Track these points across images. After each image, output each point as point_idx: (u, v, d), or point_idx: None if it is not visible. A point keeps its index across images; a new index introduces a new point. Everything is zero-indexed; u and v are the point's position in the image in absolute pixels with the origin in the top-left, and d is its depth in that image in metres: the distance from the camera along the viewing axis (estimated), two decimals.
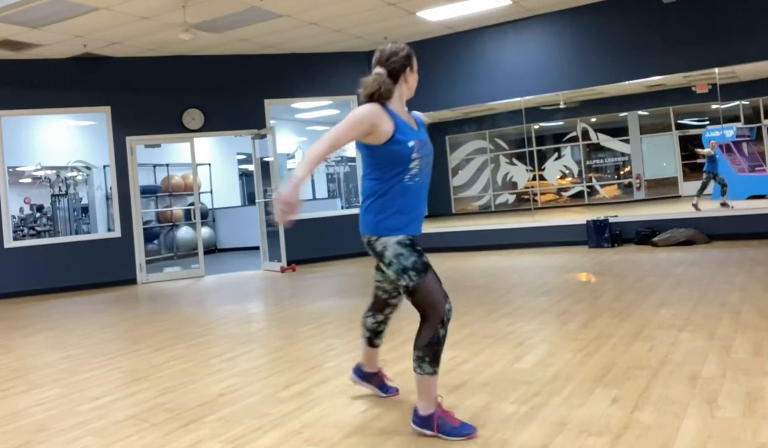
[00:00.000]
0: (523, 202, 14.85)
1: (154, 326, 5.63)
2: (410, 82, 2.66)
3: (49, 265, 8.88)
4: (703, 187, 9.79)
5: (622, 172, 15.18)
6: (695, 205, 9.35)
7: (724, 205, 9.44)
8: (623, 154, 15.04)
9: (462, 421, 2.56)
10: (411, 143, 2.54)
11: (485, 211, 15.55)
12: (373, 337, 2.98)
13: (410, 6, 8.01)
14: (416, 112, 2.80)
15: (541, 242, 9.12)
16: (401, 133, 2.52)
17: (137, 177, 9.41)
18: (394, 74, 2.59)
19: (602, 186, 15.32)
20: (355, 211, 10.48)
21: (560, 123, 15.15)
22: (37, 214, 11.49)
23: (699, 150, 10.46)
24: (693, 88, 9.69)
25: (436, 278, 2.55)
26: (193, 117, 9.52)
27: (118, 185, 9.24)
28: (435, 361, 2.52)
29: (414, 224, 2.60)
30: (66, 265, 8.95)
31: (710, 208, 9.69)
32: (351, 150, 11.91)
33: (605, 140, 15.19)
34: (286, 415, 2.96)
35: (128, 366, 4.21)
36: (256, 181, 9.95)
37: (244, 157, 15.19)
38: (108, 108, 9.20)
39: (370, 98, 2.53)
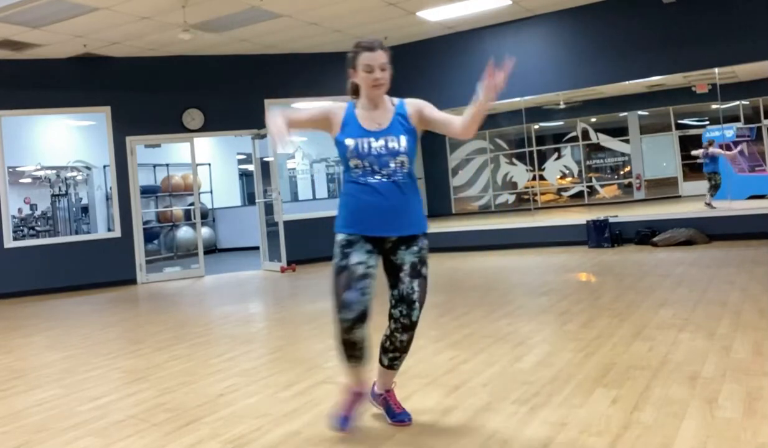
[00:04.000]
0: (523, 202, 14.85)
1: (154, 326, 5.63)
2: (359, 82, 2.57)
3: (49, 265, 8.88)
4: (716, 188, 9.87)
5: (622, 172, 15.19)
6: (709, 205, 9.38)
7: (708, 205, 9.46)
8: (623, 154, 15.04)
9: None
10: (347, 142, 2.55)
11: (485, 211, 15.55)
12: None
13: (410, 6, 8.01)
14: (405, 103, 2.63)
15: (541, 242, 9.12)
16: (342, 133, 2.58)
17: (137, 177, 9.41)
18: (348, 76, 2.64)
19: (602, 186, 15.32)
20: None
21: (560, 123, 15.16)
22: (37, 214, 11.49)
23: (716, 151, 10.44)
24: (693, 88, 9.70)
25: (347, 287, 2.47)
26: (193, 117, 9.52)
27: (118, 185, 9.24)
28: (342, 356, 2.59)
29: (358, 224, 2.54)
30: (66, 265, 8.94)
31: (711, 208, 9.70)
32: None
33: (605, 140, 15.19)
34: (286, 415, 2.96)
35: (128, 366, 4.21)
36: (256, 181, 9.94)
37: (244, 157, 15.17)
38: (108, 108, 9.19)
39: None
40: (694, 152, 10.85)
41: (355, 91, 2.64)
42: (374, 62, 2.50)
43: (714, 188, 10.03)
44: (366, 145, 2.52)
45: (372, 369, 2.70)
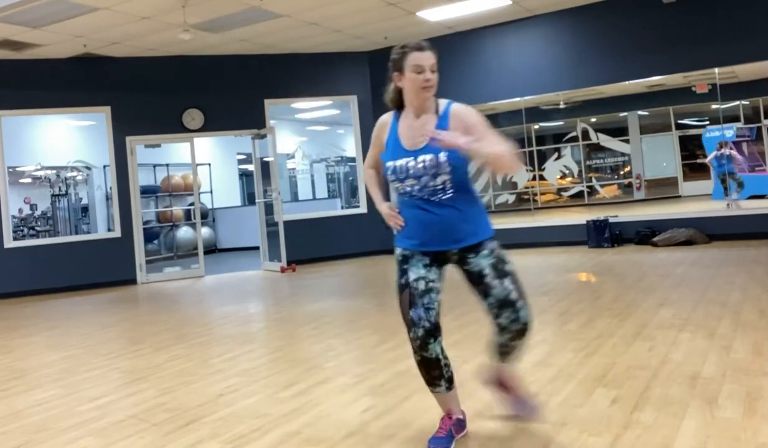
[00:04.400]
0: (523, 202, 14.85)
1: (154, 326, 5.63)
2: (406, 85, 2.39)
3: (49, 265, 8.88)
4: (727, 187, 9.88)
5: (622, 172, 15.19)
6: (730, 205, 9.37)
7: (732, 203, 9.40)
8: (623, 154, 15.04)
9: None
10: (388, 164, 2.45)
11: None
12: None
13: (410, 6, 8.01)
14: (450, 114, 2.39)
15: (541, 241, 9.12)
16: (385, 154, 2.48)
17: (137, 177, 9.41)
18: (392, 81, 2.45)
19: (602, 186, 15.32)
20: (355, 211, 10.48)
21: (560, 123, 15.15)
22: (37, 214, 11.50)
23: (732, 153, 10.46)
24: (693, 88, 9.69)
25: (411, 305, 2.36)
26: (193, 117, 9.52)
27: (118, 185, 9.24)
28: (426, 381, 2.45)
29: (409, 240, 2.43)
30: (66, 265, 8.94)
31: (711, 208, 9.69)
32: (351, 150, 11.92)
33: (605, 140, 15.20)
34: (286, 415, 2.96)
35: (128, 366, 4.20)
36: (256, 181, 9.94)
37: (244, 157, 15.18)
38: (108, 108, 9.19)
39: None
40: (709, 158, 10.81)
41: (396, 101, 2.47)
42: (425, 62, 2.35)
43: (739, 186, 9.99)
44: (404, 168, 2.38)
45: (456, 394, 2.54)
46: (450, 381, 2.44)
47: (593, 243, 8.52)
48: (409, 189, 2.40)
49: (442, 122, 2.37)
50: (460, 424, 2.51)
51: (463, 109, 2.40)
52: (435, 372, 2.39)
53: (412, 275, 2.39)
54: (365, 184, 2.71)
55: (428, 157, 2.34)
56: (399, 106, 2.49)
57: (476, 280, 2.41)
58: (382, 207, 2.55)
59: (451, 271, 2.51)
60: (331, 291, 6.87)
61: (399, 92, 2.45)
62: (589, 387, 2.95)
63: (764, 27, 7.68)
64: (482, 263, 2.39)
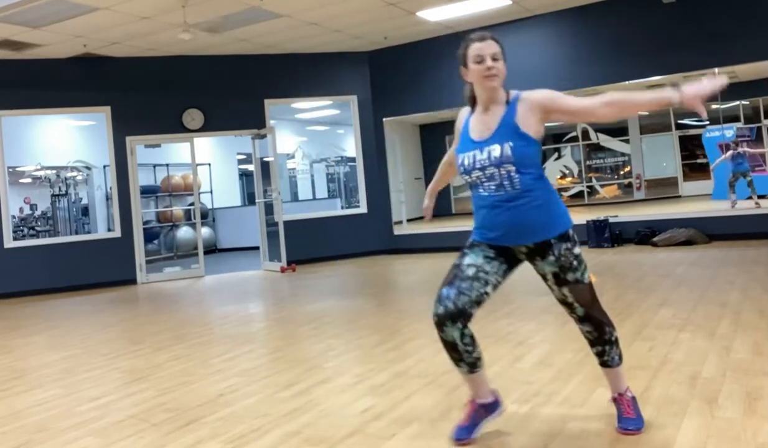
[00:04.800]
0: None
1: (154, 326, 5.63)
2: (472, 77, 2.40)
3: (49, 265, 8.88)
4: (732, 186, 9.83)
5: (622, 172, 15.20)
6: (734, 204, 9.32)
7: (757, 203, 9.31)
8: (623, 154, 15.05)
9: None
10: (460, 158, 2.45)
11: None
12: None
13: (410, 6, 8.01)
14: (519, 101, 2.37)
15: None
16: (458, 147, 2.48)
17: (137, 177, 9.41)
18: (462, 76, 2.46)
19: (602, 186, 15.33)
20: (355, 211, 10.48)
21: (560, 123, 15.12)
22: (37, 214, 11.51)
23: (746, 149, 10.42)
24: None
25: (448, 282, 2.39)
26: (193, 117, 9.52)
27: (118, 185, 9.24)
28: (452, 361, 2.47)
29: (479, 231, 2.45)
30: (66, 265, 8.94)
31: (710, 208, 9.69)
32: (351, 150, 11.91)
33: (605, 140, 15.20)
34: (286, 415, 2.96)
35: (128, 366, 4.21)
36: (256, 181, 9.94)
37: (244, 157, 15.19)
38: (108, 108, 9.19)
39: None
40: (719, 160, 10.77)
41: (471, 98, 2.47)
42: (485, 52, 2.33)
43: (749, 184, 9.94)
44: (471, 160, 2.38)
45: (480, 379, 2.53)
46: (473, 365, 2.45)
47: (593, 243, 8.52)
48: (477, 181, 2.40)
49: (510, 111, 2.36)
50: (486, 408, 2.52)
51: (531, 92, 2.38)
52: (454, 354, 2.43)
53: (467, 260, 2.42)
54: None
55: (494, 148, 2.33)
56: (475, 103, 2.48)
57: (542, 278, 2.47)
58: (427, 197, 2.97)
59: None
60: (331, 291, 6.87)
61: (473, 88, 2.46)
62: (589, 387, 2.95)
63: (764, 27, 7.68)
64: (546, 268, 2.40)
